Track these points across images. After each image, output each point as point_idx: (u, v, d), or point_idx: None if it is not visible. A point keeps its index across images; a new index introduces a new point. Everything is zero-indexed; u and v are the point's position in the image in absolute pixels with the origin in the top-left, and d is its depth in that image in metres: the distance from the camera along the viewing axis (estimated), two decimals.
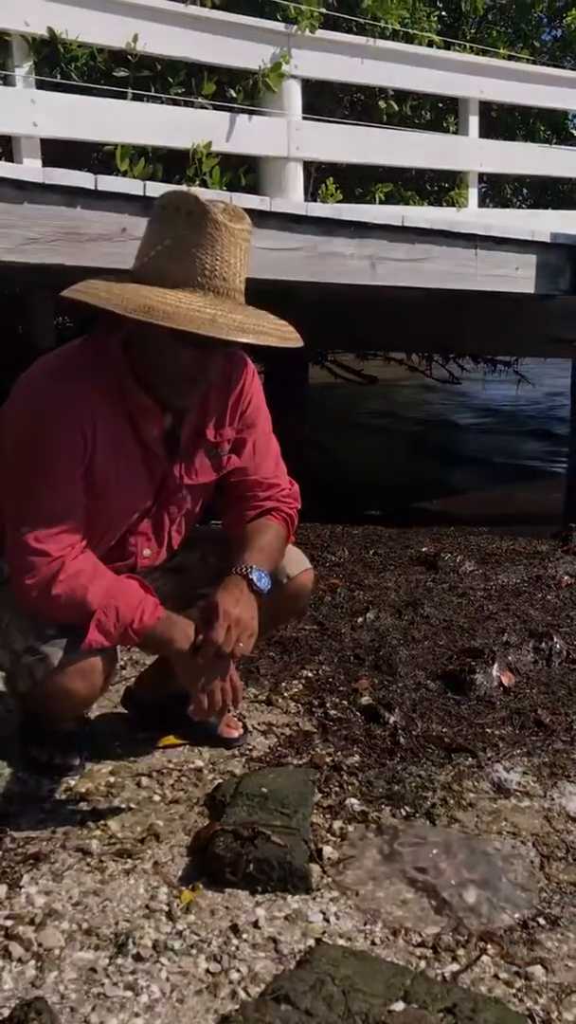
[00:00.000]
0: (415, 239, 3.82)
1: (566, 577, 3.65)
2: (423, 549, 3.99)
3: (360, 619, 3.03)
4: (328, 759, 2.13)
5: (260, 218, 3.29)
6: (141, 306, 1.60)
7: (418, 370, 8.61)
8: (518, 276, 4.22)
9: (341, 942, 1.53)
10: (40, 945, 1.50)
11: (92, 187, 3.02)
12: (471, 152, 5.05)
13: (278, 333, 1.72)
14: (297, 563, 2.05)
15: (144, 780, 2.01)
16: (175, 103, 4.07)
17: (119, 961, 1.47)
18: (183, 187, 1.74)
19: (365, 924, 1.59)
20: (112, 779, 2.01)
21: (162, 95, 4.07)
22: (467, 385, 9.55)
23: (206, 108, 4.16)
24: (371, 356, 8.47)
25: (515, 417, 8.82)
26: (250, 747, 2.18)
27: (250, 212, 3.17)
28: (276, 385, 6.55)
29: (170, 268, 1.67)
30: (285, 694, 2.47)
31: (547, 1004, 1.42)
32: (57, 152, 3.64)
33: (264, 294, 1.77)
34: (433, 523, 4.59)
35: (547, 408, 8.87)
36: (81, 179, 3.02)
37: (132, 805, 1.92)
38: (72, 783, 1.98)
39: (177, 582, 2.02)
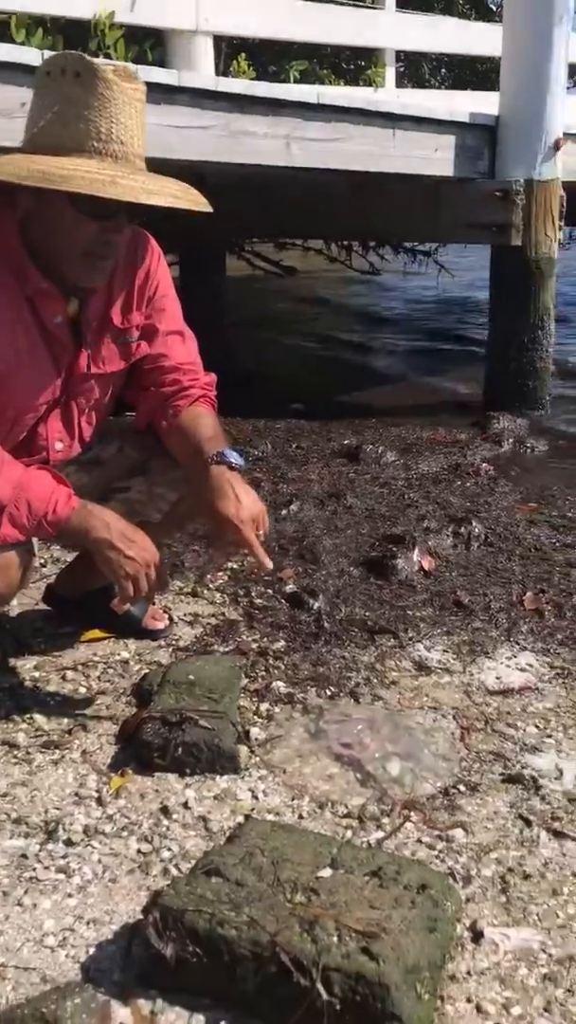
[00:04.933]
0: (331, 118, 3.69)
1: (484, 464, 3.71)
2: (345, 441, 4.00)
3: (284, 511, 3.05)
4: (254, 645, 2.16)
5: (169, 93, 3.13)
6: (36, 172, 1.51)
7: (338, 260, 8.46)
8: (436, 158, 4.13)
9: (270, 817, 1.57)
10: None
11: None
12: (389, 28, 4.87)
13: (188, 196, 1.65)
14: None
15: (69, 674, 2.01)
16: None
17: (50, 847, 1.49)
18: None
19: (293, 799, 1.63)
20: (37, 674, 2.00)
21: None
22: (387, 276, 9.45)
23: None
24: (289, 246, 8.28)
25: (436, 307, 8.78)
26: (176, 637, 2.19)
27: (158, 87, 3.05)
28: (192, 276, 6.38)
29: (62, 135, 1.57)
30: (210, 586, 2.48)
31: (467, 862, 1.50)
32: None
33: (175, 176, 1.69)
34: (355, 415, 4.59)
35: (467, 298, 8.85)
36: None
37: (58, 698, 1.92)
38: None
39: (95, 475, 1.98)
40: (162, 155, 2.91)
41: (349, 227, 5.39)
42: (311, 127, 3.61)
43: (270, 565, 1.78)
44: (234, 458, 1.79)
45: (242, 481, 1.79)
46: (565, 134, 4.31)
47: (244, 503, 1.74)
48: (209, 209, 1.68)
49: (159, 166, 1.70)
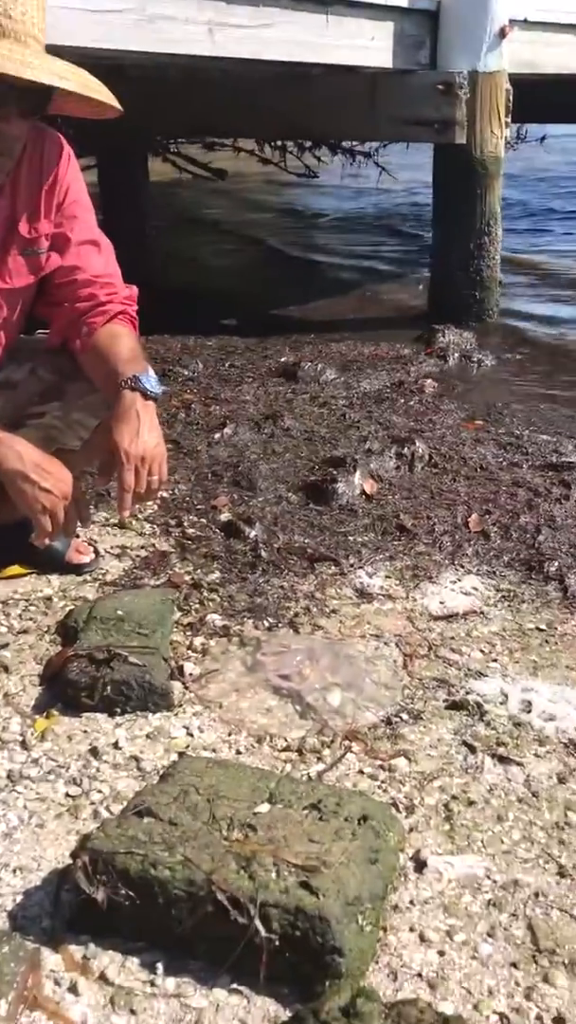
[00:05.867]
0: (259, 1, 3.55)
1: (429, 381, 3.72)
2: (282, 359, 3.97)
3: (217, 435, 3.03)
4: (187, 577, 2.16)
5: None
6: None
7: (271, 162, 8.28)
8: (374, 47, 4.02)
9: (205, 754, 1.59)
10: None
11: None
12: None
13: (79, 79, 1.58)
14: None
15: None
16: None
17: None
18: None
19: (229, 734, 1.66)
20: None
21: None
22: (325, 180, 9.29)
23: None
24: (219, 147, 8.07)
25: (377, 213, 8.68)
26: (103, 572, 2.18)
27: None
28: (111, 181, 6.19)
29: None
30: (139, 516, 2.47)
31: (410, 791, 1.54)
32: None
33: (87, 69, 1.61)
34: (292, 330, 4.57)
35: (410, 203, 8.75)
36: None
37: None
38: None
39: (6, 399, 1.93)
40: (70, 42, 2.78)
41: (282, 125, 5.26)
42: (236, 11, 3.48)
43: (124, 516, 1.73)
44: (150, 384, 1.74)
45: (153, 415, 1.73)
46: (511, 20, 4.23)
47: (143, 439, 1.69)
48: (104, 96, 1.61)
49: (68, 54, 1.62)
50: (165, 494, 2.58)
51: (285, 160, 8.32)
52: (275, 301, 5.41)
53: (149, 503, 2.46)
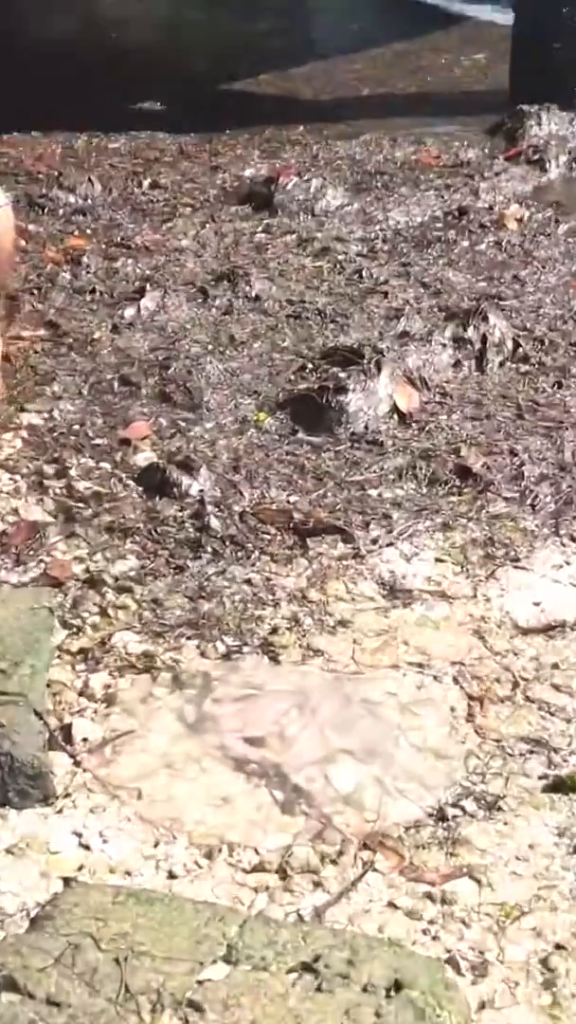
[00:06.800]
0: None
1: (513, 208, 3.70)
2: (245, 171, 4.01)
3: (130, 311, 3.07)
4: (79, 568, 2.19)
5: None
6: None
7: None
8: None
9: (113, 879, 1.61)
10: None
11: None
12: None
13: None
14: None
15: None
16: None
17: None
18: None
19: (156, 845, 1.67)
20: None
21: None
22: None
23: None
24: None
25: None
26: None
27: None
28: None
29: None
30: None
31: (480, 938, 1.55)
32: None
33: None
34: (265, 119, 4.59)
35: None
36: None
37: None
38: None
39: None
40: None
41: None
42: None
43: None
44: None
45: None
46: None
47: None
48: None
49: None
50: (37, 418, 2.59)
51: None
52: (231, 63, 5.38)
53: None
